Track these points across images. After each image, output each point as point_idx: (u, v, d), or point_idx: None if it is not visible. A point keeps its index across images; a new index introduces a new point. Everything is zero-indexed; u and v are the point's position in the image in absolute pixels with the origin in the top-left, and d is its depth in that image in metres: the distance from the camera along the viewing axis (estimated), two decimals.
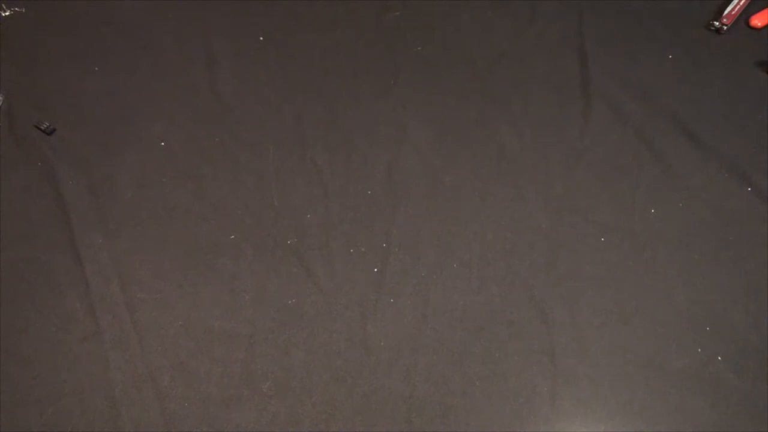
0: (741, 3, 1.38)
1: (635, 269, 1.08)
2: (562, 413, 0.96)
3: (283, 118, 1.28)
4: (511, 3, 1.44)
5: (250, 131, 1.27)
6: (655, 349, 1.01)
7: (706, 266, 1.08)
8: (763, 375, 0.97)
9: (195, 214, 1.16)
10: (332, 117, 1.28)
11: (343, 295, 1.07)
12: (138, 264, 1.11)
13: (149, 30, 1.42)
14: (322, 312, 1.06)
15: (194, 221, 1.16)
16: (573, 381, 0.98)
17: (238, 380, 1.00)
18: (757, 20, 1.36)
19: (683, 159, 1.20)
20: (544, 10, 1.43)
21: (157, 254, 1.12)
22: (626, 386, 0.98)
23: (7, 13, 1.43)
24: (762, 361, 0.99)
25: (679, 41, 1.36)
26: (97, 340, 1.03)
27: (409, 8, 1.44)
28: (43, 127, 1.25)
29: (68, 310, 1.06)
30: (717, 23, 1.36)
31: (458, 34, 1.40)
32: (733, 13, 1.37)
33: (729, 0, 1.39)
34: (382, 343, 1.03)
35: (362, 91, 1.32)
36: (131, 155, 1.24)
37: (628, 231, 1.12)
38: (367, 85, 1.33)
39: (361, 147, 1.24)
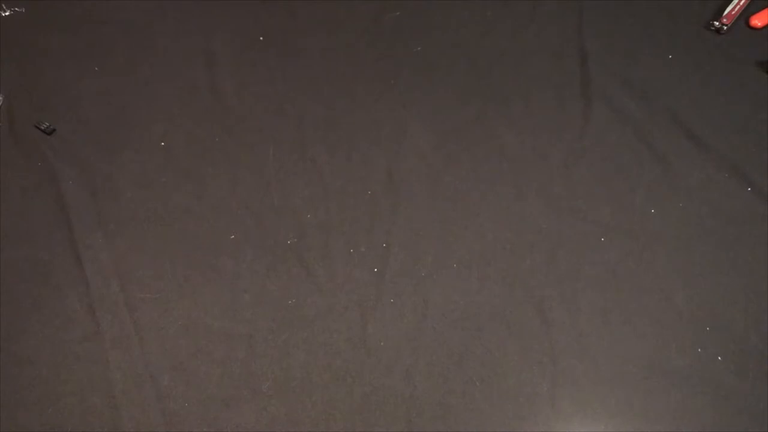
0: (741, 3, 1.38)
1: (635, 269, 1.08)
2: (562, 413, 0.96)
3: (283, 118, 1.28)
4: (511, 3, 1.44)
5: (250, 131, 1.27)
6: (655, 349, 1.01)
7: (706, 266, 1.08)
8: (763, 375, 0.97)
9: (195, 214, 1.16)
10: (332, 117, 1.28)
11: (343, 295, 1.07)
12: (138, 264, 1.11)
13: (149, 30, 1.42)
14: (322, 312, 1.06)
15: (194, 221, 1.16)
16: (573, 381, 0.98)
17: (238, 380, 1.00)
18: (757, 20, 1.36)
19: (683, 159, 1.20)
20: (544, 9, 1.42)
21: (157, 254, 1.12)
22: (626, 386, 0.98)
23: (7, 13, 1.43)
24: (762, 361, 0.99)
25: (679, 41, 1.36)
26: (97, 340, 1.03)
27: (409, 8, 1.44)
28: (43, 127, 1.25)
29: (68, 310, 1.06)
30: (717, 23, 1.36)
31: (458, 34, 1.40)
32: (733, 13, 1.37)
33: (729, 0, 1.39)
34: (382, 343, 1.03)
35: (362, 91, 1.32)
36: (131, 155, 1.24)
37: (628, 231, 1.12)
38: (367, 85, 1.33)
39: (361, 147, 1.24)
